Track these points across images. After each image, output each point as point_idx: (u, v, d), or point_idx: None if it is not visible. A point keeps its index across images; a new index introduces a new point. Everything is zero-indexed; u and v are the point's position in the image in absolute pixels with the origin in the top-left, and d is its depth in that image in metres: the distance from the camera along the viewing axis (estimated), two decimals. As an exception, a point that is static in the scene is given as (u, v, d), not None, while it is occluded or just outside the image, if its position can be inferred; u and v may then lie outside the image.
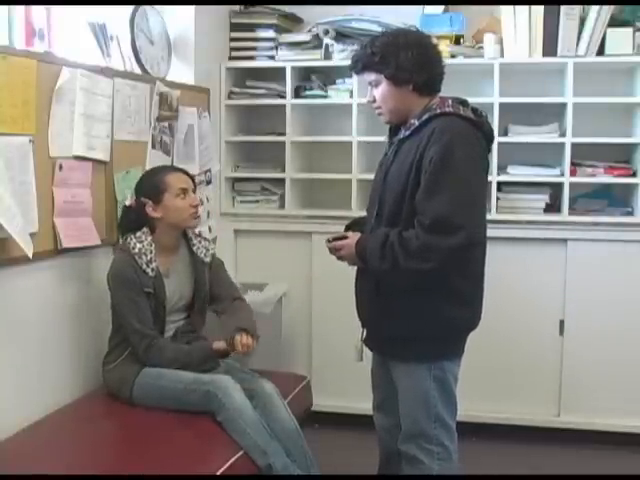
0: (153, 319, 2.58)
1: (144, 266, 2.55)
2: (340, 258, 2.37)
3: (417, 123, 2.24)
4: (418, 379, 2.32)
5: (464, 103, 2.28)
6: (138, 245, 2.56)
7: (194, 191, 2.70)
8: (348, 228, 2.50)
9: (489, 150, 2.35)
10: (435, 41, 2.40)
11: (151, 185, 2.63)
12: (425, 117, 2.23)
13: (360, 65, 2.31)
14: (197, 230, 2.86)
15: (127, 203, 2.68)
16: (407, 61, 2.21)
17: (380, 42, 2.26)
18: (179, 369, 2.53)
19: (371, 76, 2.29)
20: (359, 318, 2.46)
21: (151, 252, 2.58)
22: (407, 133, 2.27)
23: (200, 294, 2.73)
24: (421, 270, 2.16)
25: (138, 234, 2.60)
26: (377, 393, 2.61)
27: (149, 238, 2.60)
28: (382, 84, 2.27)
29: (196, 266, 2.73)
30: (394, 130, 2.39)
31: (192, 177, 2.75)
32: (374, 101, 2.32)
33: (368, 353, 2.51)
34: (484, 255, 2.35)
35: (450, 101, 2.26)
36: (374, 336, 2.43)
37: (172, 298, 2.65)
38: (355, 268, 2.42)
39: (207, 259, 2.75)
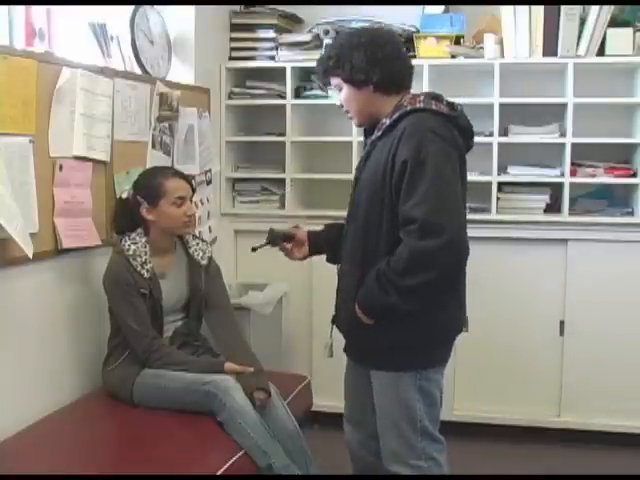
0: (151, 320, 2.57)
1: (139, 267, 2.54)
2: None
3: (388, 122, 2.15)
4: (403, 389, 2.19)
5: (438, 98, 2.18)
6: (132, 247, 2.56)
7: (191, 198, 2.67)
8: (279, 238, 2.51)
9: (469, 147, 2.23)
10: (399, 36, 2.30)
11: (149, 187, 2.61)
12: (396, 116, 2.14)
13: (320, 71, 2.27)
14: (197, 231, 2.84)
15: (124, 196, 2.66)
16: (360, 61, 2.13)
17: (336, 45, 2.22)
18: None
19: (333, 81, 2.23)
20: (334, 317, 2.36)
21: (145, 253, 2.57)
22: (379, 133, 2.18)
23: (196, 296, 2.72)
24: (430, 280, 2.02)
25: (132, 235, 2.59)
26: (349, 403, 2.46)
27: (143, 239, 2.60)
28: (344, 87, 2.21)
29: (192, 268, 2.72)
30: (369, 131, 2.28)
31: (192, 183, 2.71)
32: (342, 105, 2.26)
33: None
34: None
35: (422, 97, 2.15)
36: (354, 345, 2.30)
37: (169, 299, 2.64)
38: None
39: (203, 262, 2.74)
